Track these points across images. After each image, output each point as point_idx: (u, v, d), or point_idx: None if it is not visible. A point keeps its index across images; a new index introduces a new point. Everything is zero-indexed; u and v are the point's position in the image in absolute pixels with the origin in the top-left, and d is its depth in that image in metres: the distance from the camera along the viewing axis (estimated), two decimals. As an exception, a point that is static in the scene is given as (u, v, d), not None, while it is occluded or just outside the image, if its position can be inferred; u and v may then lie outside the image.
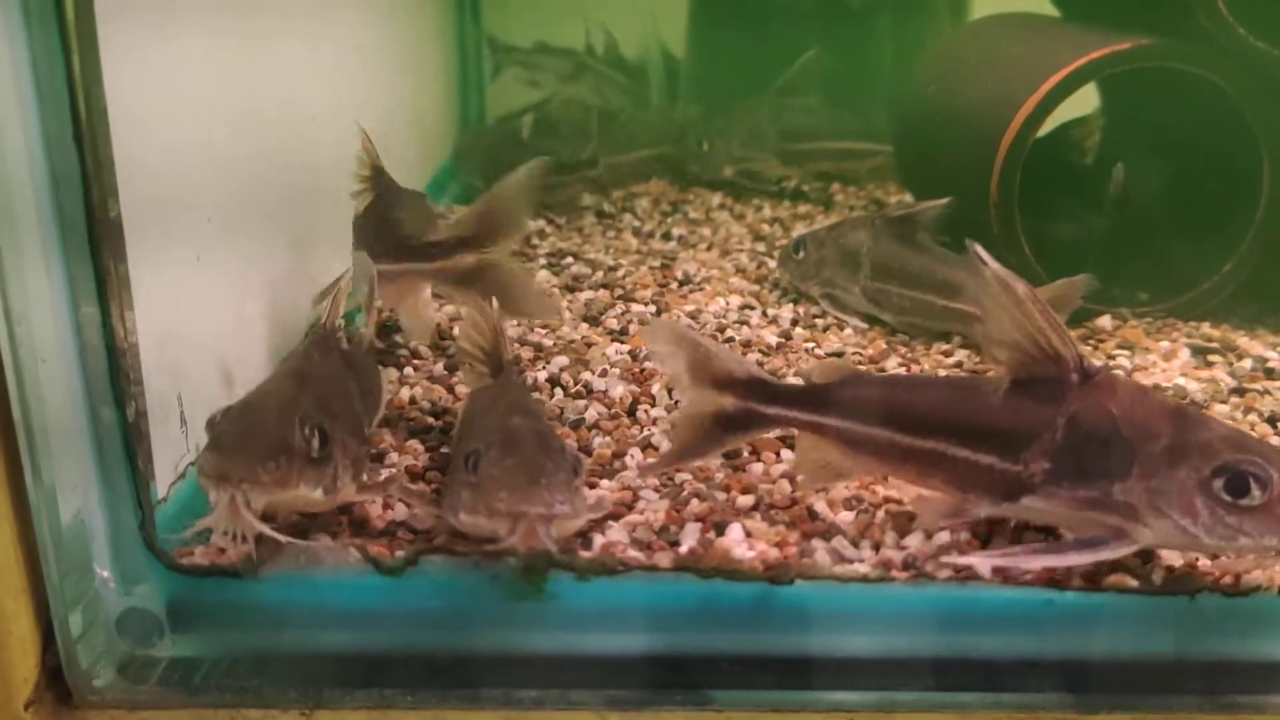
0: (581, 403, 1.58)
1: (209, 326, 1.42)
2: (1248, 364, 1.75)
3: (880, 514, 1.27)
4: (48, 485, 1.10)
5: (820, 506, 1.28)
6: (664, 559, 1.17)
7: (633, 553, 1.20)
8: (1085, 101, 2.10)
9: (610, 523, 1.27)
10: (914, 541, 1.21)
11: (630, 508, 1.31)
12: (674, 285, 2.10)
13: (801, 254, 2.04)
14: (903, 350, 1.81)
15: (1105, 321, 1.90)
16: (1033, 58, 1.95)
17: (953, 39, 2.52)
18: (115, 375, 1.10)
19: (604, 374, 1.66)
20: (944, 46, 2.42)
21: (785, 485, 1.33)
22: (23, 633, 1.13)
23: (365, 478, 1.24)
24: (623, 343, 1.79)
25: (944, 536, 1.21)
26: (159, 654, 1.16)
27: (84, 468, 1.12)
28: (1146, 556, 1.19)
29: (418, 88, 2.74)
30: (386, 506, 1.29)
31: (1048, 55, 1.90)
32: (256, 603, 1.15)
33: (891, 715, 1.12)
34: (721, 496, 1.31)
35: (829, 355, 1.76)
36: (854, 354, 1.78)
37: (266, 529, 1.09)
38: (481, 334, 1.39)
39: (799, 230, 2.36)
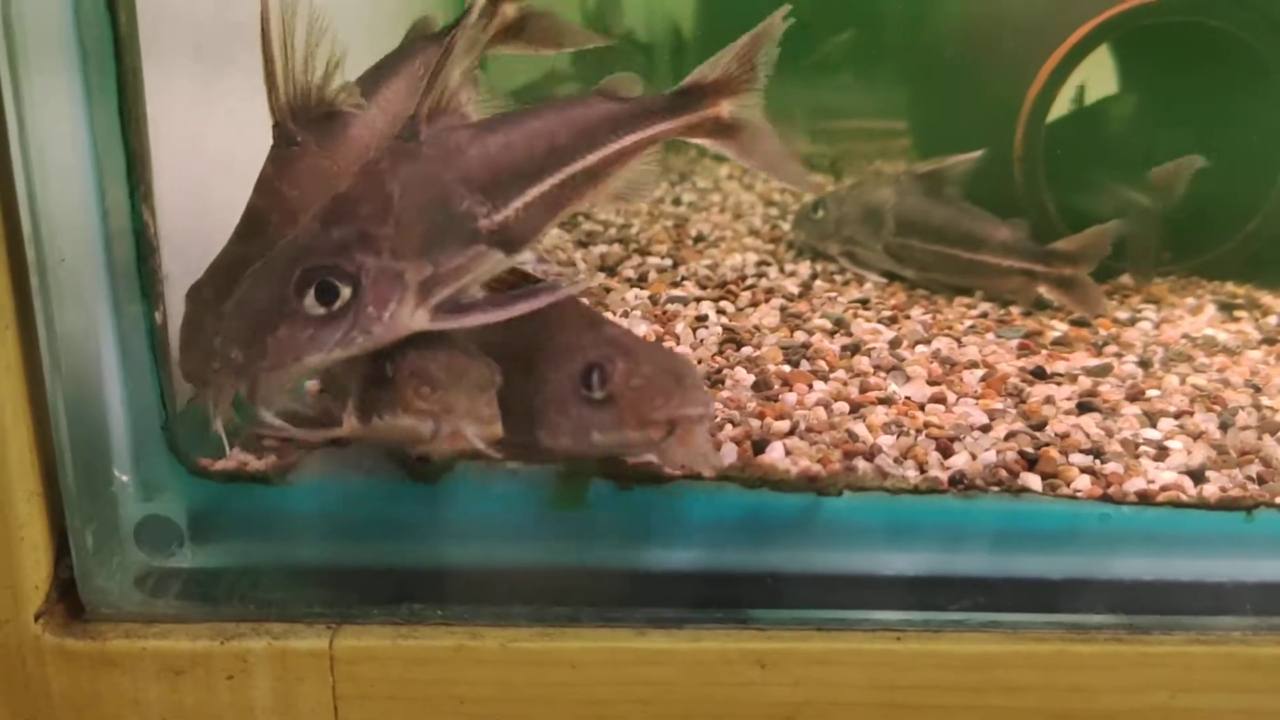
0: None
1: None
2: (1273, 320, 1.73)
3: (921, 437, 1.24)
4: (68, 386, 1.06)
5: (860, 429, 1.25)
6: (707, 471, 1.13)
7: (672, 471, 1.17)
8: (1101, 67, 2.09)
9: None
10: (959, 461, 1.18)
11: (662, 434, 1.27)
12: (689, 242, 2.07)
13: (821, 213, 2.01)
14: (925, 303, 1.78)
15: (1129, 279, 1.88)
16: (1056, 13, 1.93)
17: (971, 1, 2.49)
18: (143, 269, 1.06)
19: (625, 315, 1.63)
20: (962, 8, 2.39)
21: (821, 412, 1.30)
22: (35, 539, 1.08)
23: None
24: (642, 288, 1.75)
25: (991, 456, 1.18)
26: (178, 565, 1.11)
27: (108, 367, 1.07)
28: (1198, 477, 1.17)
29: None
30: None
31: (1071, 10, 1.88)
32: (283, 511, 1.11)
33: (939, 635, 1.09)
34: (756, 423, 1.28)
35: (852, 303, 1.73)
36: (877, 303, 1.75)
37: None
38: None
39: (809, 197, 2.33)
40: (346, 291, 0.97)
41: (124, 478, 1.10)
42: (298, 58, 1.15)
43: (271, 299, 0.98)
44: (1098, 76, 2.10)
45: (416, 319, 1.01)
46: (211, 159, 1.32)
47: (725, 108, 1.19)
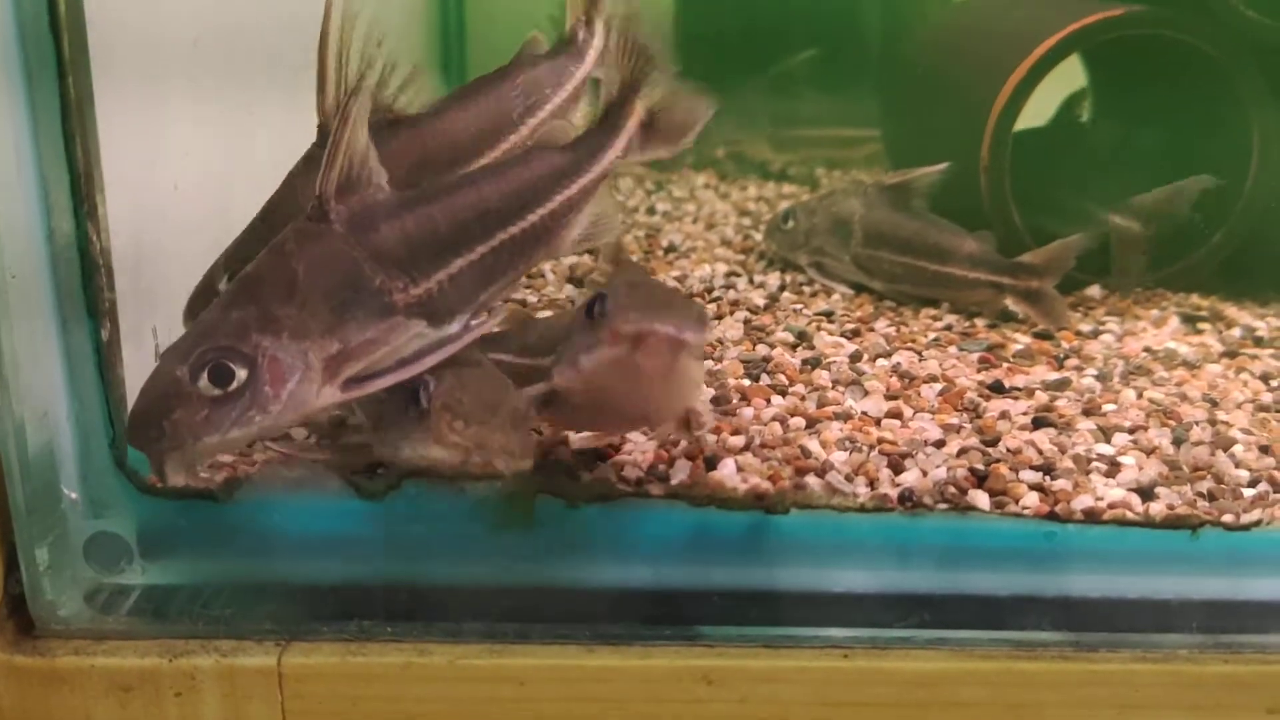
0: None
1: (188, 250, 1.37)
2: (1236, 332, 1.74)
3: (874, 453, 1.24)
4: (15, 404, 1.06)
5: (813, 445, 1.25)
6: (655, 489, 1.14)
7: (621, 488, 1.17)
8: (1072, 76, 2.10)
9: (597, 462, 1.23)
10: (910, 478, 1.18)
11: (617, 449, 1.27)
12: (659, 253, 2.07)
13: (791, 223, 2.01)
14: (891, 314, 1.79)
15: (1094, 291, 1.88)
16: (1024, 26, 1.94)
17: (942, 16, 2.51)
18: (89, 287, 1.06)
19: (590, 328, 1.63)
20: (933, 24, 2.41)
21: (776, 427, 1.30)
22: (-16, 556, 1.08)
23: None
24: (609, 301, 1.75)
25: (941, 473, 1.19)
26: (128, 582, 1.12)
27: (54, 385, 1.08)
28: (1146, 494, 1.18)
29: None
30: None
31: (1039, 23, 1.89)
32: (232, 528, 1.11)
33: (886, 652, 1.09)
34: (711, 438, 1.28)
35: (817, 315, 1.74)
36: (841, 315, 1.75)
37: None
38: None
39: (782, 206, 2.34)
40: (242, 373, 0.99)
41: (73, 495, 1.10)
42: (352, 61, 1.14)
43: (169, 381, 1.00)
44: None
45: (323, 395, 1.02)
46: (166, 177, 1.32)
47: (639, 108, 1.20)
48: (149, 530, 1.11)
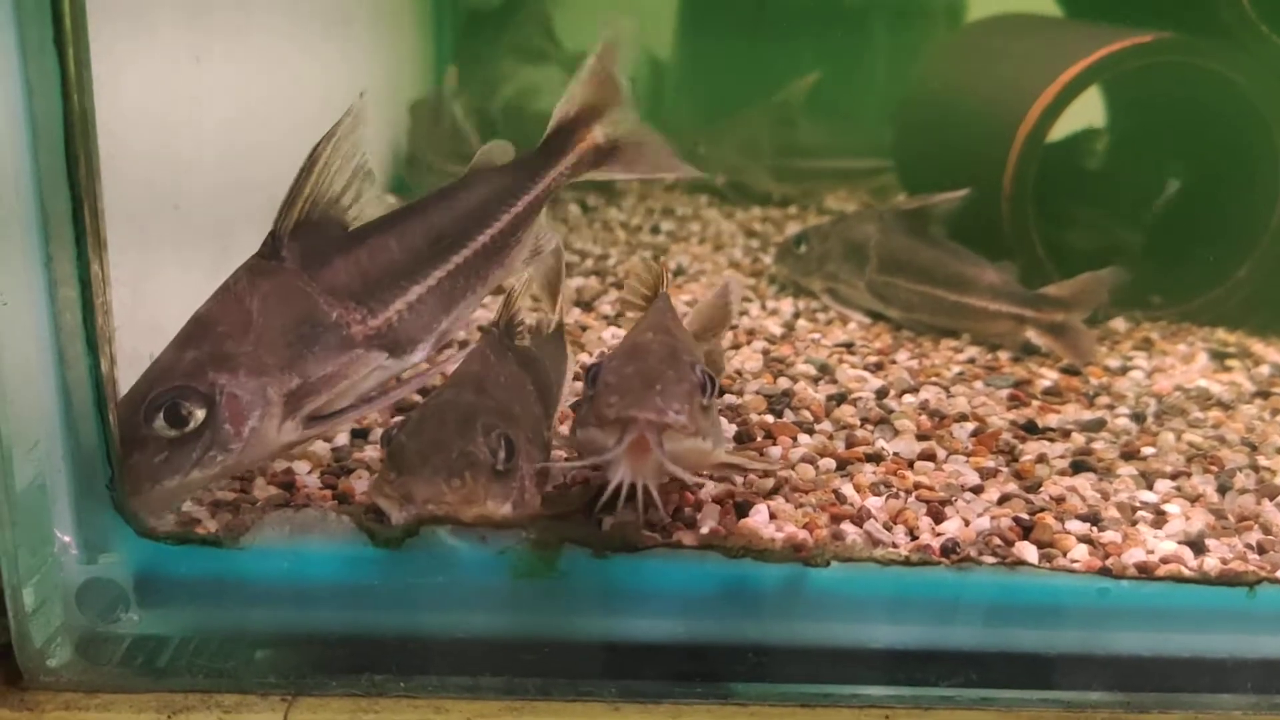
0: (580, 384, 1.48)
1: (187, 284, 1.30)
2: (1265, 369, 1.70)
3: (911, 499, 1.19)
4: (4, 438, 0.98)
5: (847, 489, 1.20)
6: (687, 538, 1.07)
7: (646, 534, 1.11)
8: (1091, 106, 2.06)
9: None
10: (952, 527, 1.13)
11: (639, 490, 1.21)
12: (668, 275, 2.01)
13: (804, 248, 1.96)
14: (910, 345, 1.73)
15: (1119, 324, 1.84)
16: (1046, 52, 1.90)
17: (957, 37, 2.46)
18: (88, 315, 0.99)
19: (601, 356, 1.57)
20: (948, 45, 2.36)
21: (808, 469, 1.24)
22: (-31, 603, 1.01)
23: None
24: (619, 327, 1.70)
25: (984, 522, 1.13)
26: (123, 631, 1.04)
27: (48, 419, 1.01)
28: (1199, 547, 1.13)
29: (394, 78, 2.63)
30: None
31: (1062, 50, 1.85)
32: (236, 575, 1.04)
33: (930, 712, 1.03)
34: (740, 480, 1.22)
35: (837, 347, 1.68)
36: (861, 347, 1.70)
37: None
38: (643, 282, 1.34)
39: (792, 229, 2.29)
40: (200, 413, 0.98)
41: (65, 538, 1.03)
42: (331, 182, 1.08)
43: (125, 425, 0.99)
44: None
45: (285, 432, 1.03)
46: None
47: (598, 133, 1.24)
48: (147, 576, 1.04)
